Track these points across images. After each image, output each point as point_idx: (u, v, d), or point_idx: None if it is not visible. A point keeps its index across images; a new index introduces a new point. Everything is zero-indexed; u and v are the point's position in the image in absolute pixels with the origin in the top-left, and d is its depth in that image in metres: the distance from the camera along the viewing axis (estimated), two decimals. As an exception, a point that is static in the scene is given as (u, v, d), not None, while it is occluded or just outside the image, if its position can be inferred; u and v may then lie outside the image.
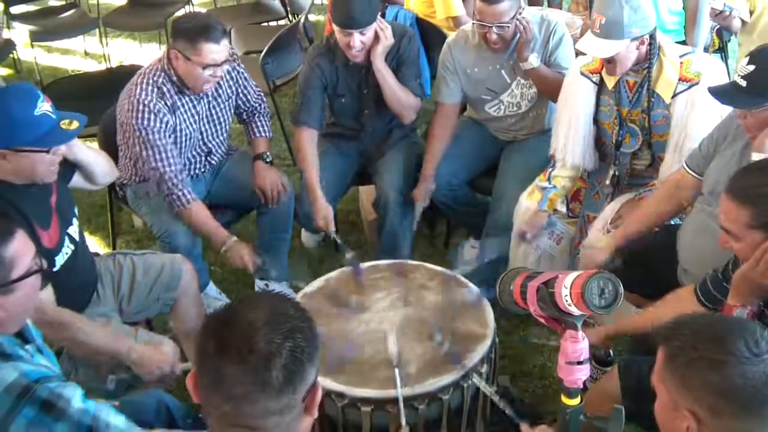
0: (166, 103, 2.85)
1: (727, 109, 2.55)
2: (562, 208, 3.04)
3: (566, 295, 1.54)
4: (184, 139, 2.95)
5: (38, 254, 1.77)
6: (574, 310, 1.55)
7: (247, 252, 2.89)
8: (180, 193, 2.87)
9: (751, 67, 2.11)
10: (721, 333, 1.35)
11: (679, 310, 2.09)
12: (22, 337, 1.81)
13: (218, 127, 3.09)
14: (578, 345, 1.60)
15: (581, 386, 1.62)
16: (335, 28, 3.04)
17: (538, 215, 2.94)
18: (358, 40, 3.01)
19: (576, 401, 1.63)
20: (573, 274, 1.56)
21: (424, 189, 3.21)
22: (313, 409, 1.35)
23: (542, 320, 1.69)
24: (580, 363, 1.60)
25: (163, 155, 2.84)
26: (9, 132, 2.11)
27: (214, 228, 2.93)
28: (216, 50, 2.75)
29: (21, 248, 1.71)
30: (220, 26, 2.79)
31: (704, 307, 2.05)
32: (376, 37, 3.06)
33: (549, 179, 2.93)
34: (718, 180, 2.37)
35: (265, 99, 3.29)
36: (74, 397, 1.68)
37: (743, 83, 2.12)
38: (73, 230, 2.42)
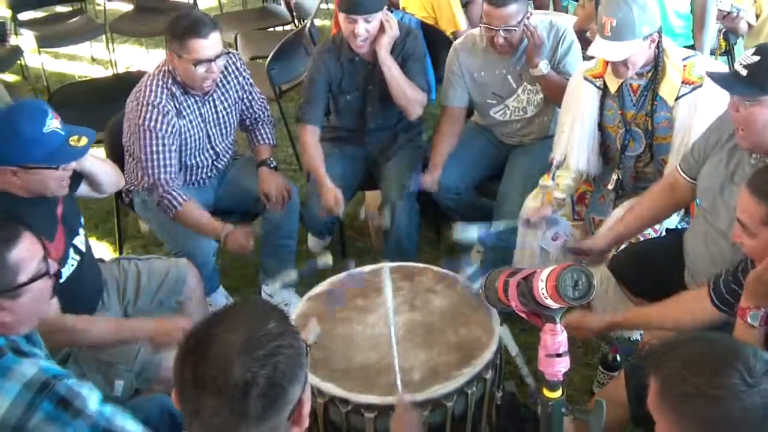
0: (174, 105, 2.86)
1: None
2: (568, 199, 2.99)
3: (542, 288, 1.57)
4: (190, 141, 2.95)
5: (46, 258, 1.78)
6: (551, 303, 1.58)
7: (244, 237, 2.86)
8: (170, 197, 2.86)
9: (756, 58, 2.09)
10: (714, 364, 1.30)
11: (692, 310, 2.09)
12: (30, 340, 1.83)
13: (224, 130, 3.09)
14: (557, 338, 1.62)
15: (561, 378, 1.64)
16: (341, 17, 3.04)
17: (542, 207, 2.91)
18: (363, 27, 3.00)
19: (557, 394, 1.64)
20: (549, 268, 1.59)
21: (433, 177, 3.21)
22: (302, 421, 1.33)
23: (524, 315, 1.71)
24: (559, 355, 1.61)
25: (160, 162, 2.84)
26: (18, 150, 2.11)
27: (207, 222, 2.90)
28: (204, 45, 2.73)
29: (27, 252, 1.71)
30: (209, 21, 2.76)
31: (718, 309, 2.04)
32: (382, 29, 3.05)
33: (552, 178, 2.91)
34: (709, 187, 2.36)
35: (268, 107, 3.29)
36: (91, 398, 1.70)
37: (744, 72, 2.10)
38: (79, 240, 2.41)
